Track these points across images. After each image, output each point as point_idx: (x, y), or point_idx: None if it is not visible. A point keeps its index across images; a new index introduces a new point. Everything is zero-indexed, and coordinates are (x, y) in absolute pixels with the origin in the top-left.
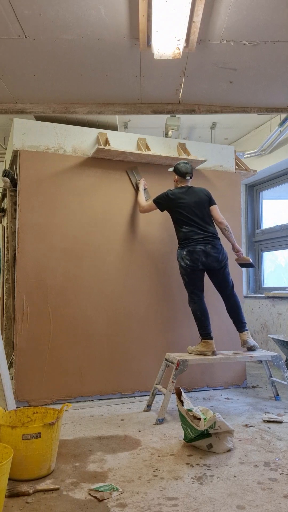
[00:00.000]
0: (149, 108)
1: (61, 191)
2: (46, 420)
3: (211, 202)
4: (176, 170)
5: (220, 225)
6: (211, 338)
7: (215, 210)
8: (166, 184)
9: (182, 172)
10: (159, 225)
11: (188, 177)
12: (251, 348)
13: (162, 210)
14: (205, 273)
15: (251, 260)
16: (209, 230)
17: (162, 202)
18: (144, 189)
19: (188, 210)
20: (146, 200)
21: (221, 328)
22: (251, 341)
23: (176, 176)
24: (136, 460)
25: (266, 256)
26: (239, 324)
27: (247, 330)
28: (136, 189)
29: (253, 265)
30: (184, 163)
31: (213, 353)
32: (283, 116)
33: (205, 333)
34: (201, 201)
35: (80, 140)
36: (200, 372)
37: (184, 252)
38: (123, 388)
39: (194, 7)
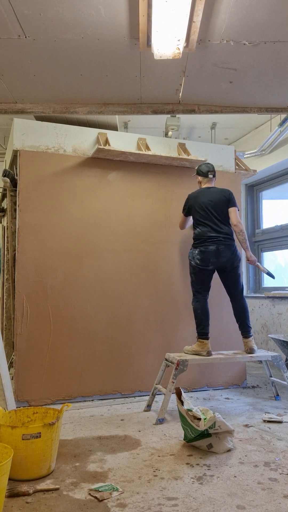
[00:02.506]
0: (149, 108)
1: (61, 191)
2: (46, 420)
3: (230, 203)
4: (198, 171)
5: (235, 227)
6: (207, 339)
7: (233, 212)
8: (166, 184)
9: (204, 171)
10: (159, 225)
11: (211, 175)
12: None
13: (187, 215)
14: (215, 274)
15: (267, 271)
16: (223, 230)
17: (185, 207)
18: None
19: (203, 210)
20: None
21: (221, 328)
22: (256, 348)
23: (199, 178)
24: (136, 460)
25: (266, 256)
26: (245, 328)
27: (252, 336)
28: None
29: (272, 276)
30: (205, 164)
31: (208, 353)
32: (283, 116)
33: (202, 333)
34: (219, 202)
35: (80, 140)
36: (200, 372)
37: (196, 252)
38: (123, 388)
39: (194, 7)
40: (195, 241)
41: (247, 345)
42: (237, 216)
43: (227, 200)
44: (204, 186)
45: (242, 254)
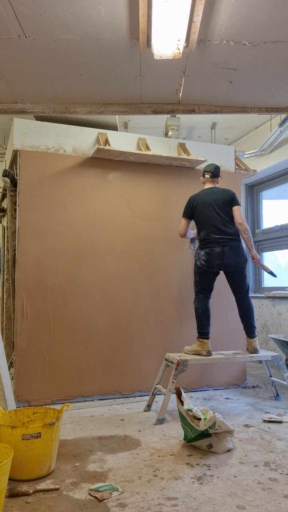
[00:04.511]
0: (149, 108)
1: (61, 191)
2: (46, 420)
3: (233, 202)
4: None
5: (239, 226)
6: (207, 338)
7: (237, 211)
8: (166, 184)
9: (202, 171)
10: (159, 225)
11: (207, 175)
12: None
13: (190, 218)
14: (221, 274)
15: (270, 270)
16: (228, 231)
17: (186, 211)
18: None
19: (206, 211)
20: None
21: (222, 328)
22: (259, 349)
23: (201, 178)
24: (136, 460)
25: (266, 256)
26: (250, 328)
27: (256, 336)
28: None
29: (274, 275)
30: (208, 163)
31: (208, 353)
32: (283, 116)
33: (202, 332)
34: (222, 202)
35: (80, 140)
36: (200, 372)
37: (202, 253)
38: (123, 388)
39: (194, 7)
40: (201, 242)
41: (251, 345)
42: (241, 215)
43: (231, 199)
44: (206, 187)
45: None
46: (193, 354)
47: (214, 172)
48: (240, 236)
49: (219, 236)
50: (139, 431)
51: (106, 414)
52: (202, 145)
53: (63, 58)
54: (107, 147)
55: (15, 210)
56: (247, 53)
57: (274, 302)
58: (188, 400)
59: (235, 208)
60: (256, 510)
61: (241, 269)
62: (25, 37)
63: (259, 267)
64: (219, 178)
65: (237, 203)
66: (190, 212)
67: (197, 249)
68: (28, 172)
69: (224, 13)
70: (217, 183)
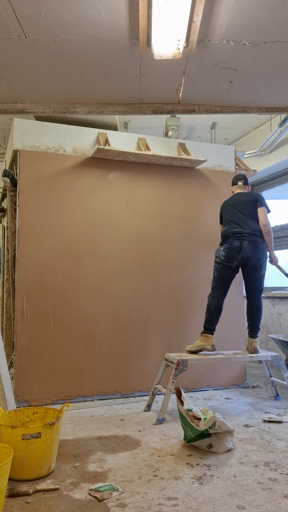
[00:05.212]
0: (149, 108)
1: (61, 191)
2: (46, 420)
3: (258, 203)
4: (232, 182)
5: (263, 227)
6: (212, 334)
7: (261, 212)
8: (166, 184)
9: (234, 179)
10: (159, 225)
11: (240, 183)
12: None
13: (221, 223)
14: (237, 275)
15: (286, 273)
16: (248, 226)
17: (220, 217)
18: None
19: (229, 210)
20: None
21: (222, 328)
22: (259, 349)
23: (232, 188)
24: (136, 460)
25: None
26: (254, 328)
27: (258, 337)
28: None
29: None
30: (237, 173)
31: (213, 347)
32: (283, 116)
33: (209, 327)
34: (246, 202)
35: (80, 140)
36: (200, 372)
37: (222, 249)
38: (123, 388)
39: (194, 7)
40: (221, 239)
41: (252, 345)
42: (266, 217)
43: (255, 200)
44: (234, 192)
45: None
46: (197, 349)
47: (246, 179)
48: (263, 237)
49: (237, 230)
50: (139, 431)
51: (106, 414)
52: (202, 145)
53: (63, 58)
54: (107, 147)
55: (15, 210)
56: (247, 53)
57: (274, 302)
58: (188, 400)
59: (259, 209)
60: (256, 510)
61: (259, 266)
62: (25, 37)
63: (278, 268)
64: (249, 186)
65: (262, 205)
66: (220, 216)
67: (218, 247)
68: (28, 172)
69: (224, 13)
70: (247, 191)
